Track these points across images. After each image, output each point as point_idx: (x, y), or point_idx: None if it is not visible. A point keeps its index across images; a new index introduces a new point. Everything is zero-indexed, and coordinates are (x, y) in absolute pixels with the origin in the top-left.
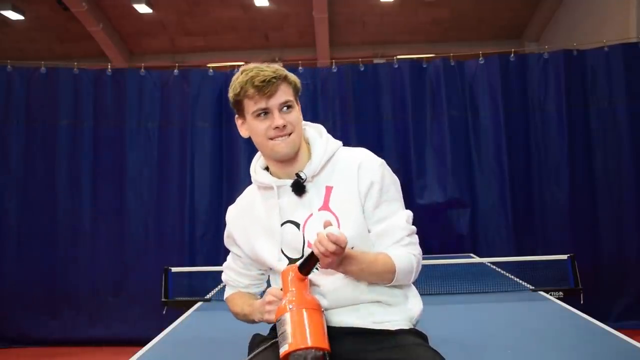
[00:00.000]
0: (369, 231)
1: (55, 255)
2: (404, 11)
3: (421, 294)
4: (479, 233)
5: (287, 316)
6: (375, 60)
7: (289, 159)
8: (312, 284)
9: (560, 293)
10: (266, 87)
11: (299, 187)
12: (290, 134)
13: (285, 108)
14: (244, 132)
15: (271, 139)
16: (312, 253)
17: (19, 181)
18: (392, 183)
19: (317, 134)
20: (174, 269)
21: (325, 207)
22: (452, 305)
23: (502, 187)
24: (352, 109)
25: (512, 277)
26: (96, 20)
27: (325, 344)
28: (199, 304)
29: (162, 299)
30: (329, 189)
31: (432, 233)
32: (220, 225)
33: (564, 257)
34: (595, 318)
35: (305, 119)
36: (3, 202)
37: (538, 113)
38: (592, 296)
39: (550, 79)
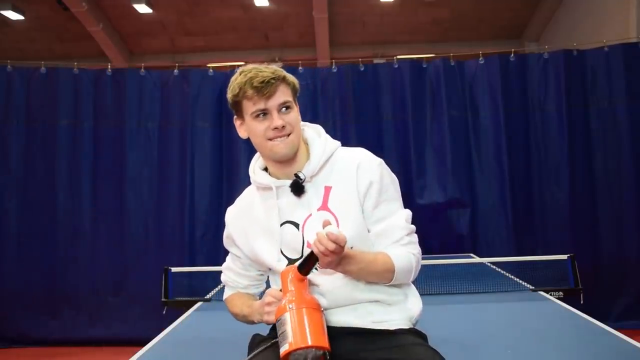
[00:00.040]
0: (368, 231)
1: (55, 255)
2: (404, 11)
3: (421, 294)
4: (479, 233)
5: (287, 316)
6: (375, 60)
7: (288, 160)
8: (311, 283)
9: (560, 293)
10: (265, 88)
11: (297, 188)
12: (289, 135)
13: (284, 109)
14: (242, 133)
15: (270, 139)
16: (311, 252)
17: (19, 181)
18: (391, 182)
19: (315, 134)
20: (174, 269)
21: (324, 207)
22: (452, 305)
23: (502, 187)
24: (352, 109)
25: (512, 277)
26: (96, 20)
27: (325, 343)
28: (199, 304)
29: (162, 299)
30: (327, 189)
31: (432, 233)
32: (220, 225)
33: (564, 257)
34: (595, 318)
35: (305, 119)
36: (3, 202)
37: (538, 113)
38: (592, 296)
39: (550, 79)
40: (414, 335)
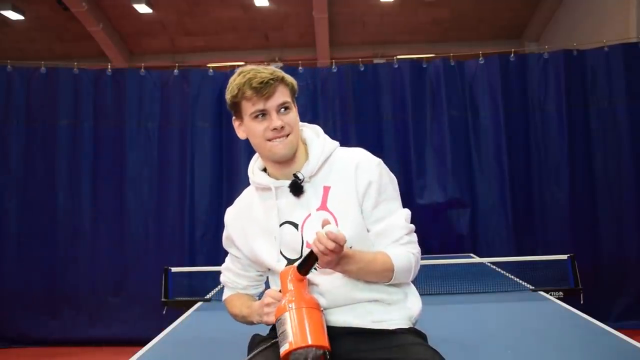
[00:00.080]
0: (367, 231)
1: (55, 255)
2: (404, 11)
3: (421, 294)
4: (479, 233)
5: (287, 315)
6: (375, 60)
7: (287, 160)
8: (310, 283)
9: (560, 293)
10: (264, 89)
11: (296, 188)
12: (288, 135)
13: (282, 109)
14: (241, 134)
15: (269, 140)
16: (311, 252)
17: (19, 181)
18: (390, 182)
19: (314, 134)
20: (174, 269)
21: (323, 207)
22: (452, 305)
23: (502, 187)
24: (352, 109)
25: (512, 277)
26: (96, 20)
27: (325, 342)
28: (199, 304)
29: (162, 299)
30: (326, 189)
31: (432, 233)
32: (220, 225)
33: (564, 257)
34: (595, 318)
35: (305, 119)
36: (3, 202)
37: (538, 113)
38: (592, 296)
39: (550, 79)
40: (413, 335)
